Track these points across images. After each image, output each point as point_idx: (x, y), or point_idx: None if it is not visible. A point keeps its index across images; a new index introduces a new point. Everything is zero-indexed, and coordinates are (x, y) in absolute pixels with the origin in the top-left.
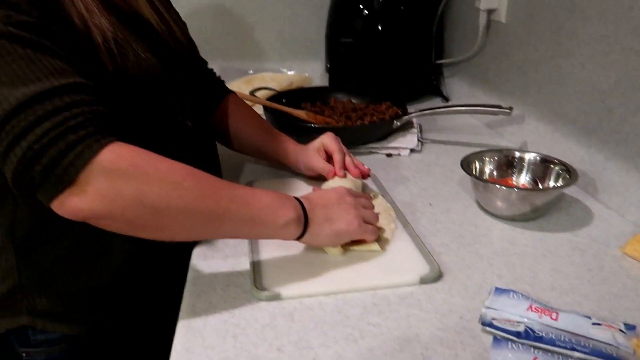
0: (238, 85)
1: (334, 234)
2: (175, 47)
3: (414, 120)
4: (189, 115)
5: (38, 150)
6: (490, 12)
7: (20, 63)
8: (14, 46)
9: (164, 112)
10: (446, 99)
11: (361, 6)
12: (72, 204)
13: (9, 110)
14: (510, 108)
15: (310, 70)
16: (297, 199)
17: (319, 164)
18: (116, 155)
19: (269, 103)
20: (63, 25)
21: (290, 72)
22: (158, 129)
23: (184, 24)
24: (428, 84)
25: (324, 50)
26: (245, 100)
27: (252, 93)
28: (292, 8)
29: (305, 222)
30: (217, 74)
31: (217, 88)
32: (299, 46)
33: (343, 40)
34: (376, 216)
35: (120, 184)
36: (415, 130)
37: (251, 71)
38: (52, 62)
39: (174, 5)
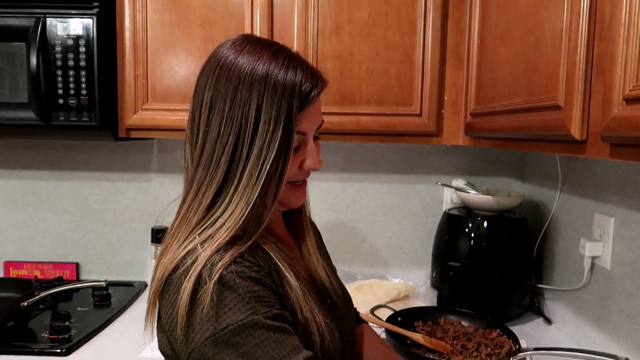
0: (349, 292)
1: None
2: (338, 300)
3: (527, 357)
4: None
5: None
6: (594, 257)
7: (273, 346)
8: (270, 333)
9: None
10: (549, 322)
11: (467, 230)
12: None
13: None
14: (627, 359)
15: (413, 278)
16: None
17: None
18: None
19: (390, 326)
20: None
21: (396, 280)
22: None
23: (335, 269)
24: (530, 304)
25: (426, 261)
26: (370, 322)
27: (371, 312)
28: (400, 223)
29: None
30: None
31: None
32: (403, 256)
33: (450, 264)
34: None
35: None
36: None
37: (359, 276)
38: (292, 340)
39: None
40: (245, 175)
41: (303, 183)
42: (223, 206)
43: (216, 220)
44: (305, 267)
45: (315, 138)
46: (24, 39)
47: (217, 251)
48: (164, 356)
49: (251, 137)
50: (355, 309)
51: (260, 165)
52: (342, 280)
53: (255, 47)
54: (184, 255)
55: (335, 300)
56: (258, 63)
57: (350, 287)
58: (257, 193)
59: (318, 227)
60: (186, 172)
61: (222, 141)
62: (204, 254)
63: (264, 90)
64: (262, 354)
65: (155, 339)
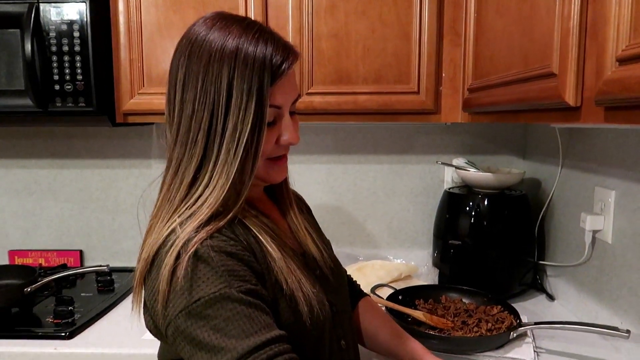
0: (351, 273)
1: None
2: (329, 271)
3: (528, 332)
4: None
5: None
6: (595, 231)
7: (245, 320)
8: (242, 307)
9: (332, 339)
10: (552, 298)
11: (467, 209)
12: None
13: (237, 358)
14: (628, 331)
15: (415, 259)
16: None
17: None
18: None
19: (391, 304)
20: (273, 287)
21: (398, 261)
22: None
23: (329, 242)
24: (533, 281)
25: (427, 241)
26: None
27: (372, 291)
28: (401, 204)
29: None
30: None
31: (355, 291)
32: (405, 237)
33: (451, 242)
34: None
35: None
36: (529, 339)
37: (361, 257)
38: (264, 318)
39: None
40: (222, 150)
41: (283, 158)
42: (204, 183)
43: (198, 198)
44: (294, 240)
45: (293, 113)
46: (18, 25)
47: (197, 228)
48: (151, 334)
49: (225, 112)
50: (358, 284)
51: (236, 140)
52: (344, 262)
53: (225, 22)
54: (168, 234)
55: (325, 272)
56: (228, 38)
57: (352, 268)
58: (234, 168)
59: (319, 209)
60: (167, 152)
61: (197, 118)
62: (185, 231)
63: (235, 64)
64: (233, 327)
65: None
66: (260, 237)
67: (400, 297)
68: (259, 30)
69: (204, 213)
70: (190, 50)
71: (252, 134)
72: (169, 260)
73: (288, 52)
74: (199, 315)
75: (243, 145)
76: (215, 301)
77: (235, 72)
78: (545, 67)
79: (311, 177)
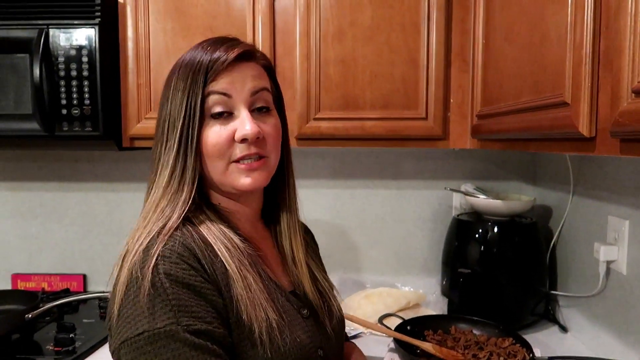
0: (358, 300)
1: None
2: (325, 314)
3: None
4: None
5: None
6: (609, 262)
7: None
8: (186, 349)
9: None
10: (564, 330)
11: (477, 236)
12: None
13: None
14: None
15: (423, 286)
16: None
17: None
18: None
19: (399, 335)
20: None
21: (405, 288)
22: None
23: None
24: (545, 312)
25: (435, 268)
26: (378, 332)
27: (380, 321)
28: (409, 230)
29: None
30: (337, 284)
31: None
32: (413, 264)
33: (461, 270)
34: None
35: None
36: None
37: (368, 285)
38: None
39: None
40: (165, 148)
41: (253, 164)
42: (154, 186)
43: (151, 203)
44: (284, 273)
45: (261, 110)
46: (27, 50)
47: (149, 236)
48: None
49: (168, 111)
50: (346, 334)
51: (173, 132)
52: (350, 289)
53: (203, 42)
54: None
55: (319, 314)
56: (188, 52)
57: (359, 296)
58: (177, 164)
59: (325, 234)
60: None
61: (157, 124)
62: (139, 242)
63: (178, 70)
64: None
65: None
66: (220, 255)
67: (408, 328)
68: (216, 42)
69: (155, 220)
70: (170, 71)
71: (188, 122)
72: (122, 277)
73: (235, 46)
74: (140, 349)
75: (179, 136)
76: (158, 338)
77: (177, 74)
78: (558, 96)
79: (318, 201)
